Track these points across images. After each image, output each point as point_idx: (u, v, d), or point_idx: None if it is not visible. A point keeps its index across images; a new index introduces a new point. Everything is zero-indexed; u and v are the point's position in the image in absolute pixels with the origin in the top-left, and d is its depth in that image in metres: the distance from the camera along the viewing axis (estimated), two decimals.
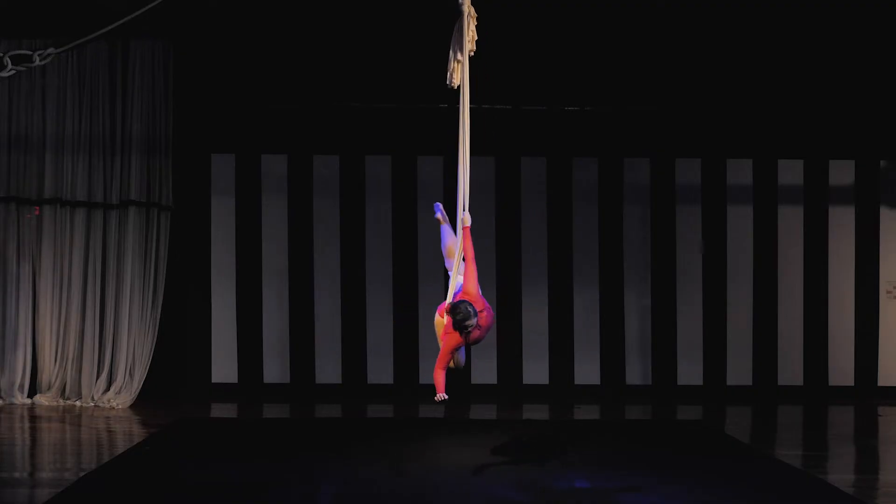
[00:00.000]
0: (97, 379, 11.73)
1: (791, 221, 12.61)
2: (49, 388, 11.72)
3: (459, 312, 7.70)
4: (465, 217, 8.07)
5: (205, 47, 12.01)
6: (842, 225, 12.61)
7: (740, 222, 12.60)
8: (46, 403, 11.63)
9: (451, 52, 8.26)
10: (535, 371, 12.54)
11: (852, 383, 12.57)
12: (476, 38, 8.28)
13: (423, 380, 12.31)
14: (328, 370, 12.50)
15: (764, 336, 12.58)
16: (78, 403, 11.63)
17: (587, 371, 12.56)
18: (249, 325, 12.45)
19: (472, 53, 8.28)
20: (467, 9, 8.22)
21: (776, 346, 12.59)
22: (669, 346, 12.56)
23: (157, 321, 11.83)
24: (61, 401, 11.69)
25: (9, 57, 9.70)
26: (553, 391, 12.49)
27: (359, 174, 12.53)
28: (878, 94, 12.30)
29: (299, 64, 12.09)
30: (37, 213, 11.79)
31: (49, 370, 11.73)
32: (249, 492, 7.52)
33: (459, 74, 8.25)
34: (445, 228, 8.52)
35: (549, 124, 12.50)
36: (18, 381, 11.73)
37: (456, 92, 8.35)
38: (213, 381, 12.42)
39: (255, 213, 12.48)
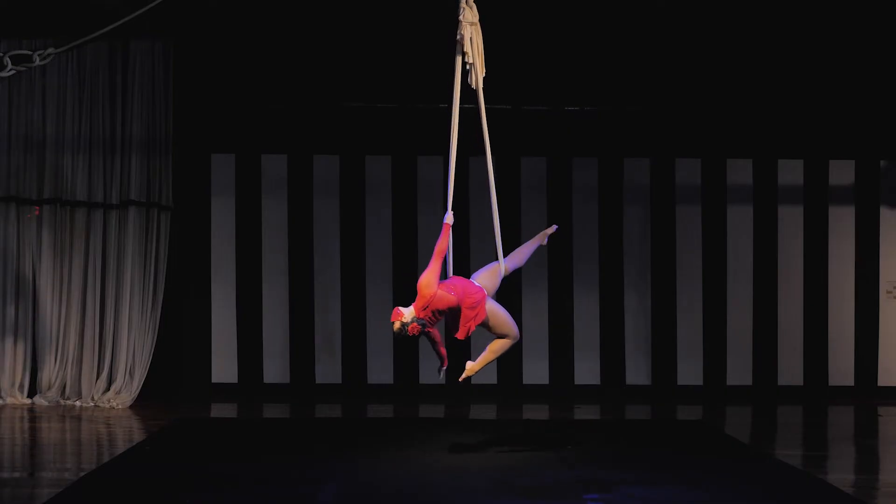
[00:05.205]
0: (97, 379, 11.73)
1: (791, 221, 12.62)
2: (49, 388, 11.72)
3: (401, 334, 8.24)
4: (449, 216, 8.36)
5: (205, 47, 12.01)
6: (842, 225, 12.61)
7: (740, 222, 12.60)
8: (46, 403, 11.63)
9: (473, 54, 8.28)
10: (535, 371, 12.55)
11: (852, 383, 12.58)
12: (470, 37, 8.31)
13: (423, 380, 12.32)
14: (328, 370, 12.50)
15: (764, 336, 12.59)
16: (78, 403, 11.63)
17: (587, 371, 12.57)
18: (249, 325, 12.45)
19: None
20: (464, 8, 8.26)
21: (776, 346, 12.59)
22: (669, 346, 12.56)
23: (157, 321, 11.83)
24: (61, 401, 11.69)
25: (9, 57, 9.71)
26: (553, 391, 12.49)
27: (359, 174, 12.53)
28: (878, 94, 12.30)
29: (299, 64, 12.09)
30: (37, 213, 11.79)
31: (49, 370, 11.73)
32: (249, 491, 7.52)
33: (472, 77, 8.33)
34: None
35: (549, 124, 12.50)
36: (18, 380, 11.74)
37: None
38: (213, 381, 12.42)
39: (255, 213, 12.48)
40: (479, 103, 8.37)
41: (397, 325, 8.13)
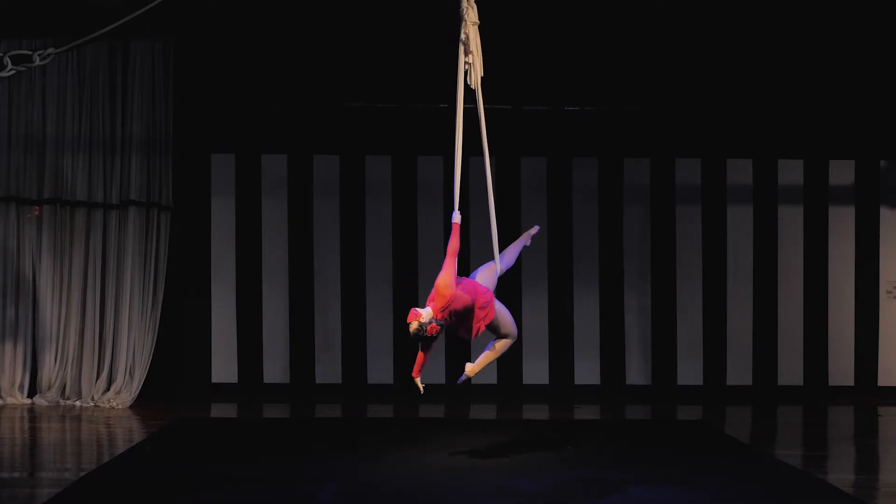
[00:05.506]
0: (97, 379, 11.73)
1: (791, 221, 12.62)
2: (49, 388, 11.72)
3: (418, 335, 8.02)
4: (456, 215, 8.24)
5: (205, 47, 12.01)
6: (842, 225, 12.61)
7: (740, 222, 12.61)
8: (46, 403, 11.63)
9: (473, 54, 8.28)
10: (535, 371, 12.55)
11: (852, 383, 12.58)
12: (473, 38, 8.28)
13: (423, 380, 12.28)
14: (328, 370, 12.50)
15: (764, 336, 12.59)
16: (78, 403, 11.63)
17: (587, 371, 12.57)
18: (249, 325, 12.45)
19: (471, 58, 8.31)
20: (466, 9, 8.24)
21: (776, 346, 12.59)
22: (669, 346, 12.56)
23: (157, 321, 11.83)
24: (61, 401, 11.69)
25: (9, 57, 9.71)
26: (553, 391, 12.49)
27: (359, 174, 12.54)
28: (878, 94, 12.31)
29: (299, 64, 12.09)
30: (37, 213, 11.79)
31: (49, 370, 11.73)
32: (249, 491, 7.52)
33: (471, 76, 8.29)
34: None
35: (549, 124, 12.51)
36: (18, 380, 11.74)
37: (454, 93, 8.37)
38: (213, 381, 12.43)
39: (255, 213, 12.49)
40: (477, 103, 8.37)
41: (415, 325, 7.92)
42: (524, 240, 8.96)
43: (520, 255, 12.41)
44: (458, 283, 8.08)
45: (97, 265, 11.78)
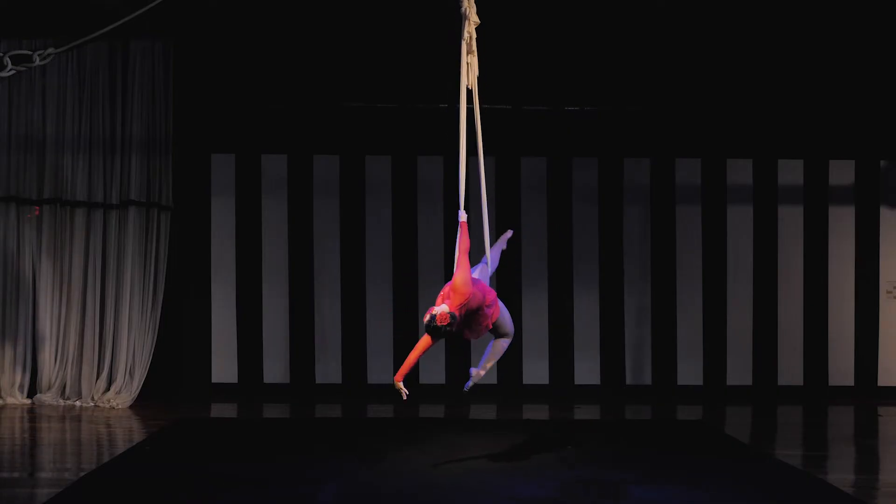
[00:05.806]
0: (97, 379, 11.73)
1: (791, 221, 12.62)
2: (49, 388, 11.72)
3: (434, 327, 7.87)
4: (461, 213, 8.24)
5: (205, 47, 12.01)
6: (842, 225, 12.61)
7: (740, 222, 12.61)
8: (46, 403, 11.63)
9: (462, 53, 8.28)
10: (535, 371, 12.55)
11: (852, 383, 12.58)
12: (475, 37, 8.27)
13: (423, 379, 12.32)
14: (328, 370, 12.50)
15: (764, 336, 12.59)
16: (78, 403, 11.63)
17: (587, 371, 12.57)
18: (249, 325, 12.45)
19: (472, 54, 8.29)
20: (467, 9, 8.23)
21: (776, 346, 12.59)
22: (669, 346, 12.56)
23: (157, 321, 11.83)
24: (61, 401, 11.69)
25: (9, 57, 9.72)
26: (553, 391, 12.49)
27: (359, 174, 12.54)
28: (878, 94, 12.30)
29: (299, 64, 12.09)
30: (37, 213, 11.79)
31: (49, 370, 11.73)
32: (249, 491, 7.52)
33: (469, 76, 8.27)
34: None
35: (549, 124, 12.50)
36: (18, 380, 11.74)
37: (455, 92, 8.34)
38: (213, 381, 12.43)
39: (255, 213, 12.48)
40: (474, 103, 8.36)
41: (427, 317, 7.81)
42: (501, 244, 8.97)
43: (519, 255, 12.53)
44: (473, 283, 8.05)
45: (97, 265, 11.78)
